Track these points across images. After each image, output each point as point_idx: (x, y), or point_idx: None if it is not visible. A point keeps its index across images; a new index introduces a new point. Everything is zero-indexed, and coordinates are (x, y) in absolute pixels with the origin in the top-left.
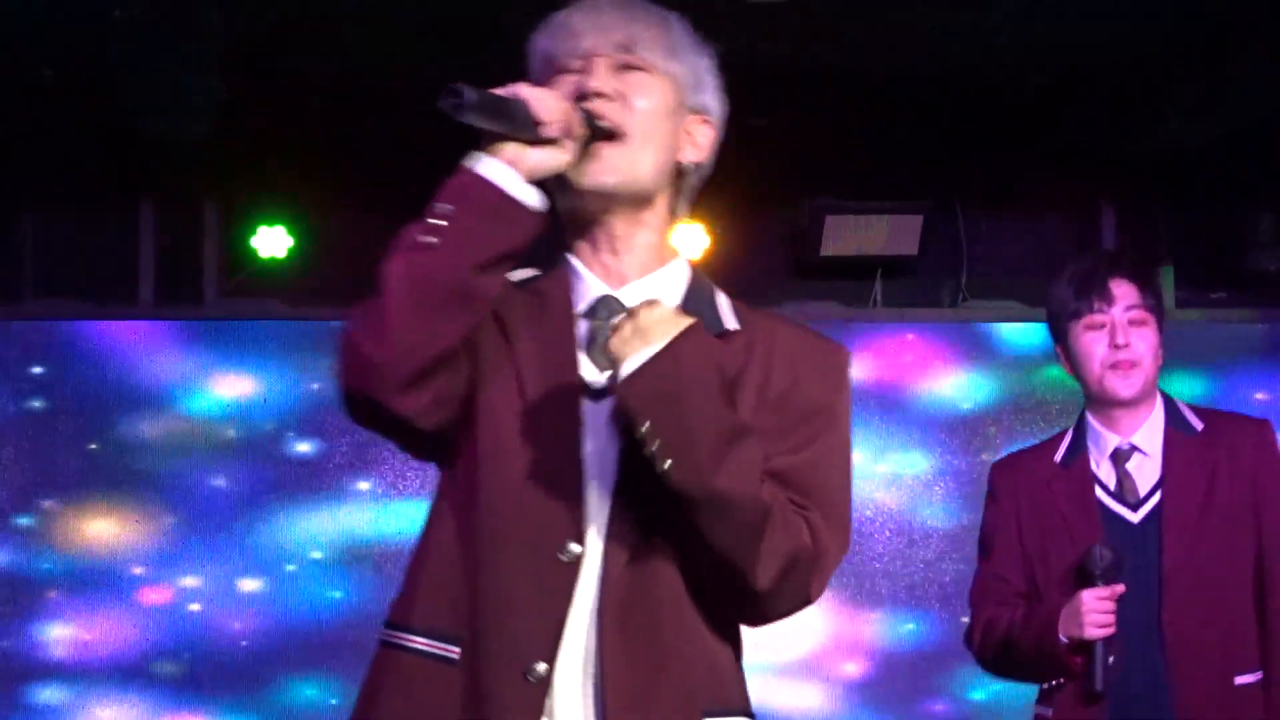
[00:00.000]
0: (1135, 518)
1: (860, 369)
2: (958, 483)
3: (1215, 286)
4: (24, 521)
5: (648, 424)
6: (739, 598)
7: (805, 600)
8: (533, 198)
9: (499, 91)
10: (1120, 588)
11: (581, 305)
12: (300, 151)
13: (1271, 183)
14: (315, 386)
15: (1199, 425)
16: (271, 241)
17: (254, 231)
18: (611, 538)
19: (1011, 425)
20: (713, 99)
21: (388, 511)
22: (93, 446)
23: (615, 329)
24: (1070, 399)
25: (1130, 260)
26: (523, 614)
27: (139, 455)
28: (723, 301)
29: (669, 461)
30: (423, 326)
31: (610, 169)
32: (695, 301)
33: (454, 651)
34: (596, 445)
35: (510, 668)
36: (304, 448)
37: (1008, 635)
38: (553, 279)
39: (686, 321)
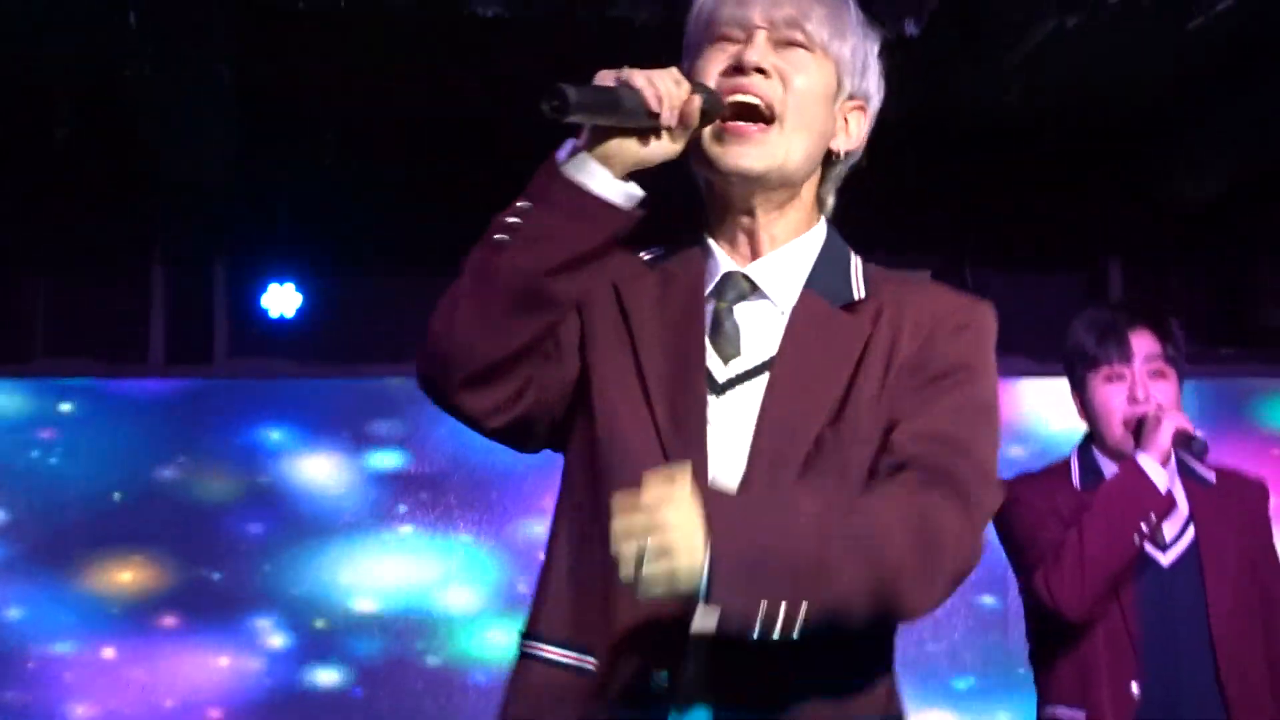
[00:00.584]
0: (1165, 560)
1: None
2: None
3: (1223, 342)
4: (38, 576)
5: (766, 618)
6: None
7: (969, 568)
8: (624, 196)
9: (607, 81)
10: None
11: (710, 285)
12: (310, 211)
13: (1277, 237)
14: (322, 443)
15: (1211, 477)
16: (281, 301)
17: (264, 291)
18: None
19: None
20: (874, 86)
21: (397, 566)
22: (110, 500)
23: (637, 566)
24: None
25: (1151, 311)
26: (650, 622)
27: (151, 510)
28: (855, 267)
29: (799, 625)
30: (487, 327)
31: (757, 152)
32: (825, 271)
33: (589, 662)
34: (721, 442)
35: (639, 677)
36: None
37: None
38: (686, 259)
39: (691, 511)
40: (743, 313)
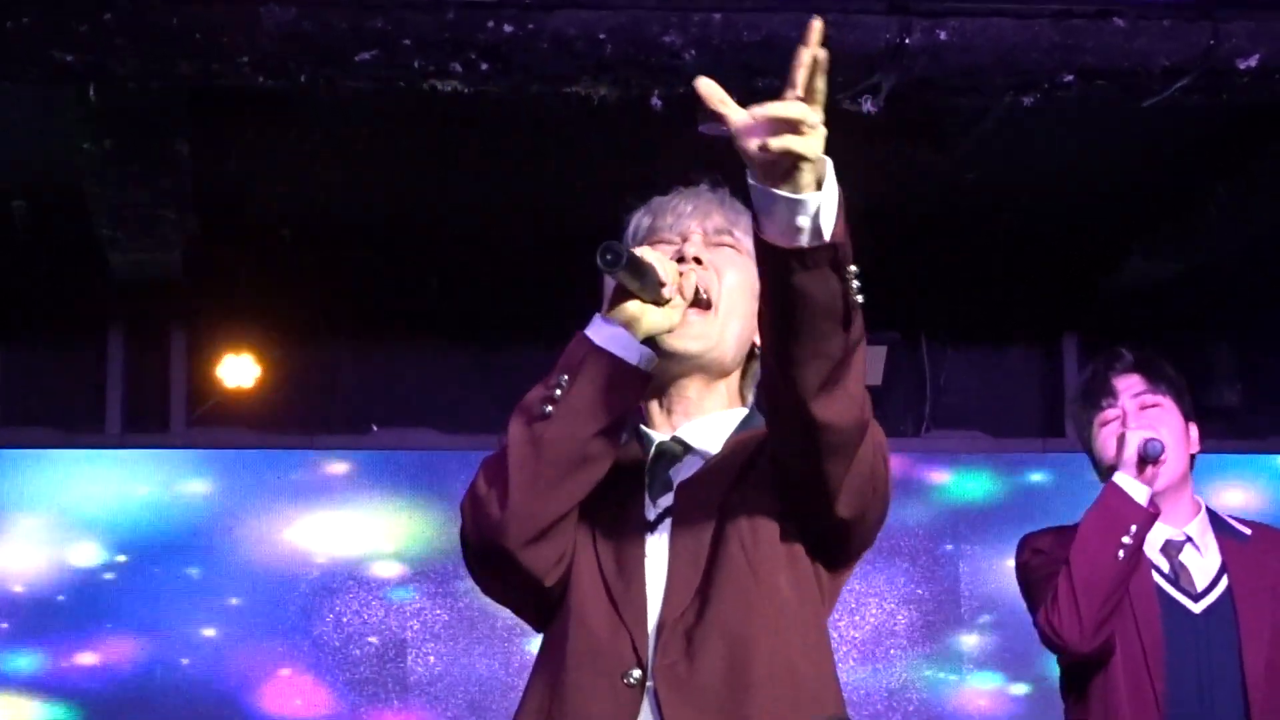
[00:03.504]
0: (1196, 609)
1: None
2: (920, 611)
3: None
4: None
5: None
6: (822, 524)
7: (883, 513)
8: (646, 358)
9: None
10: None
11: (648, 460)
12: (267, 282)
13: (1231, 318)
14: (280, 513)
15: (1248, 532)
16: (238, 371)
17: (220, 361)
18: (660, 661)
19: (973, 554)
20: None
21: (350, 646)
22: (62, 568)
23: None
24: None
25: (1134, 356)
26: None
27: (107, 581)
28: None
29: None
30: (544, 491)
31: (698, 335)
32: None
33: None
34: (657, 571)
35: None
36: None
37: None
38: (627, 446)
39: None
40: (677, 470)
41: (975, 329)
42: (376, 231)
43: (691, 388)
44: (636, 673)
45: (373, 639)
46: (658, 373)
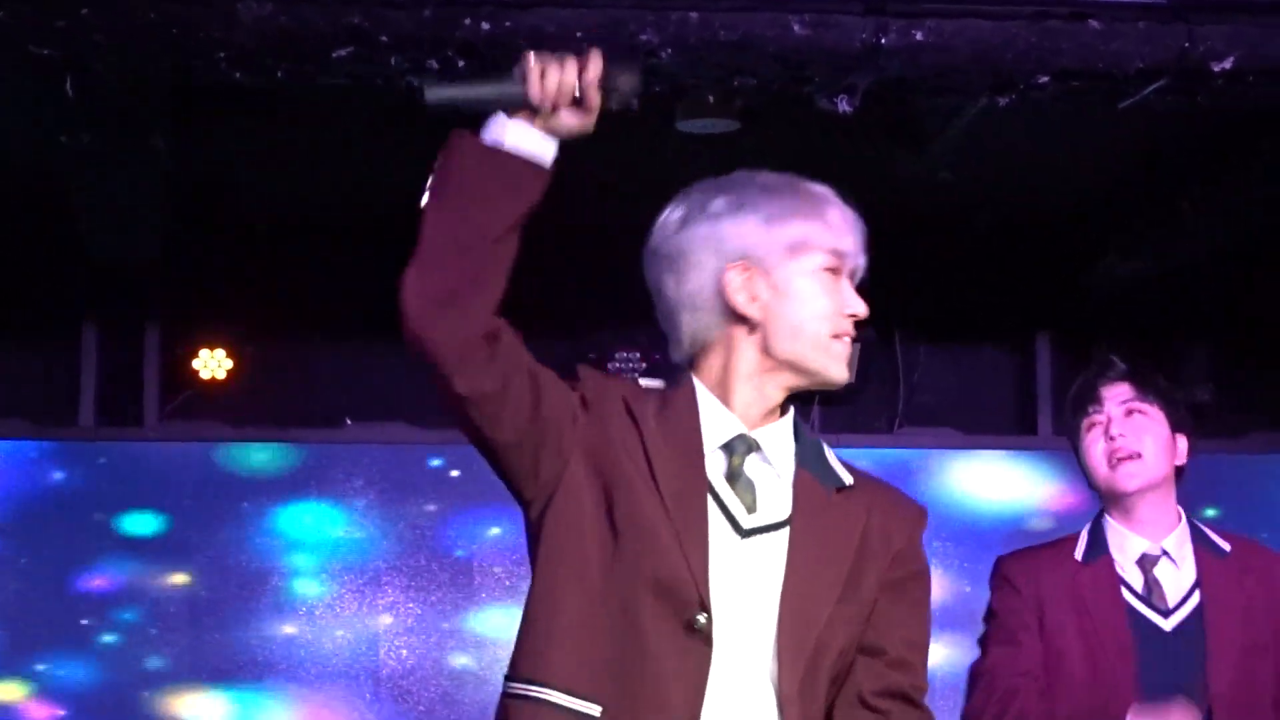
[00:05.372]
0: (1167, 625)
1: None
2: None
3: None
4: None
5: None
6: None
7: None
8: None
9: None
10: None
11: (716, 436)
12: (242, 276)
13: (1204, 317)
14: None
15: (1227, 547)
16: (212, 364)
17: (195, 354)
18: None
19: (945, 551)
20: None
21: (323, 639)
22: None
23: None
24: (1005, 529)
25: (1126, 365)
26: (666, 679)
27: (77, 576)
28: (829, 453)
29: None
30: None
31: (849, 362)
32: (806, 452)
33: (594, 709)
34: (749, 584)
35: None
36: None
37: None
38: (679, 392)
39: None
40: (751, 469)
41: (949, 327)
42: (352, 226)
43: (785, 392)
44: (703, 617)
45: (342, 632)
46: (772, 372)
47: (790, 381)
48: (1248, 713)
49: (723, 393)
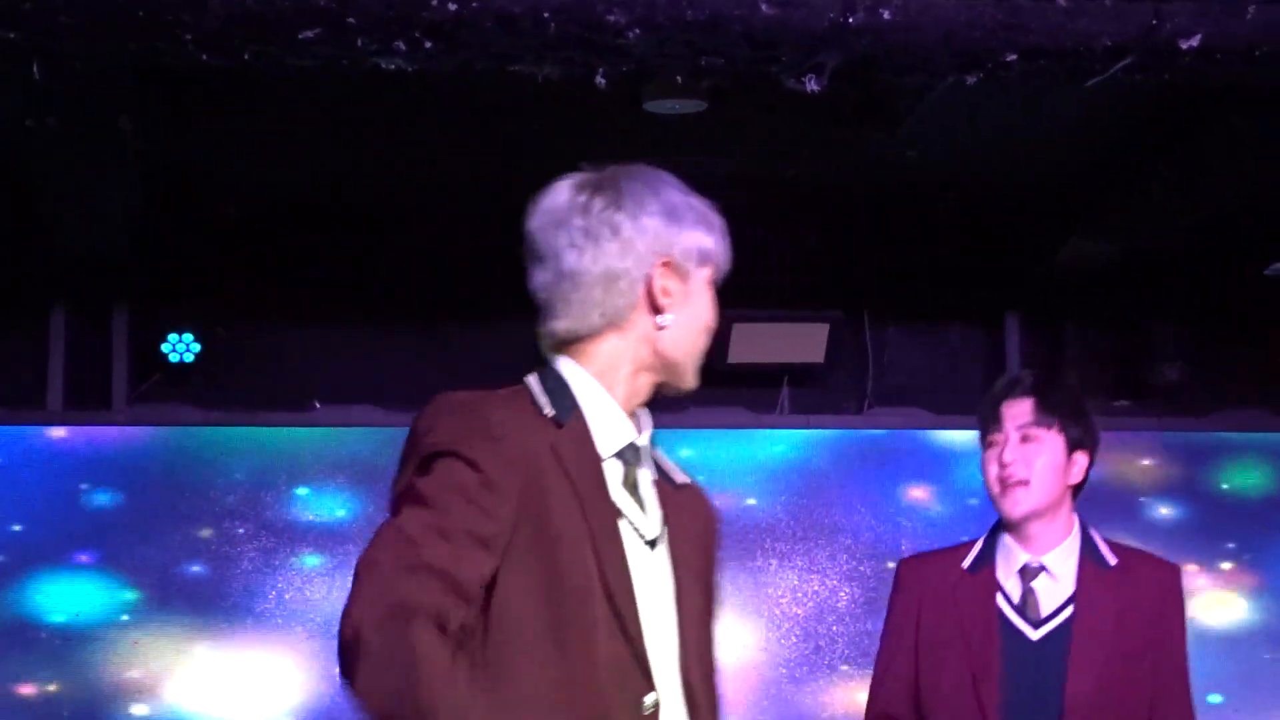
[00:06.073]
0: (1035, 635)
1: (769, 475)
2: (862, 588)
3: (1118, 395)
4: None
5: None
6: None
7: None
8: None
9: None
10: None
11: (611, 441)
12: (211, 259)
13: (1172, 297)
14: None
15: (1113, 560)
16: (181, 348)
17: (163, 338)
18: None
19: (915, 530)
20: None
21: (293, 622)
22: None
23: None
24: (974, 510)
25: (1034, 380)
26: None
27: (43, 558)
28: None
29: None
30: None
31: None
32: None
33: None
34: (650, 591)
35: None
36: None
37: None
38: (579, 441)
39: None
40: (641, 478)
41: (918, 307)
42: (321, 209)
43: (648, 395)
44: (652, 697)
45: (314, 617)
46: (652, 370)
47: (657, 381)
48: (1101, 716)
49: (608, 382)
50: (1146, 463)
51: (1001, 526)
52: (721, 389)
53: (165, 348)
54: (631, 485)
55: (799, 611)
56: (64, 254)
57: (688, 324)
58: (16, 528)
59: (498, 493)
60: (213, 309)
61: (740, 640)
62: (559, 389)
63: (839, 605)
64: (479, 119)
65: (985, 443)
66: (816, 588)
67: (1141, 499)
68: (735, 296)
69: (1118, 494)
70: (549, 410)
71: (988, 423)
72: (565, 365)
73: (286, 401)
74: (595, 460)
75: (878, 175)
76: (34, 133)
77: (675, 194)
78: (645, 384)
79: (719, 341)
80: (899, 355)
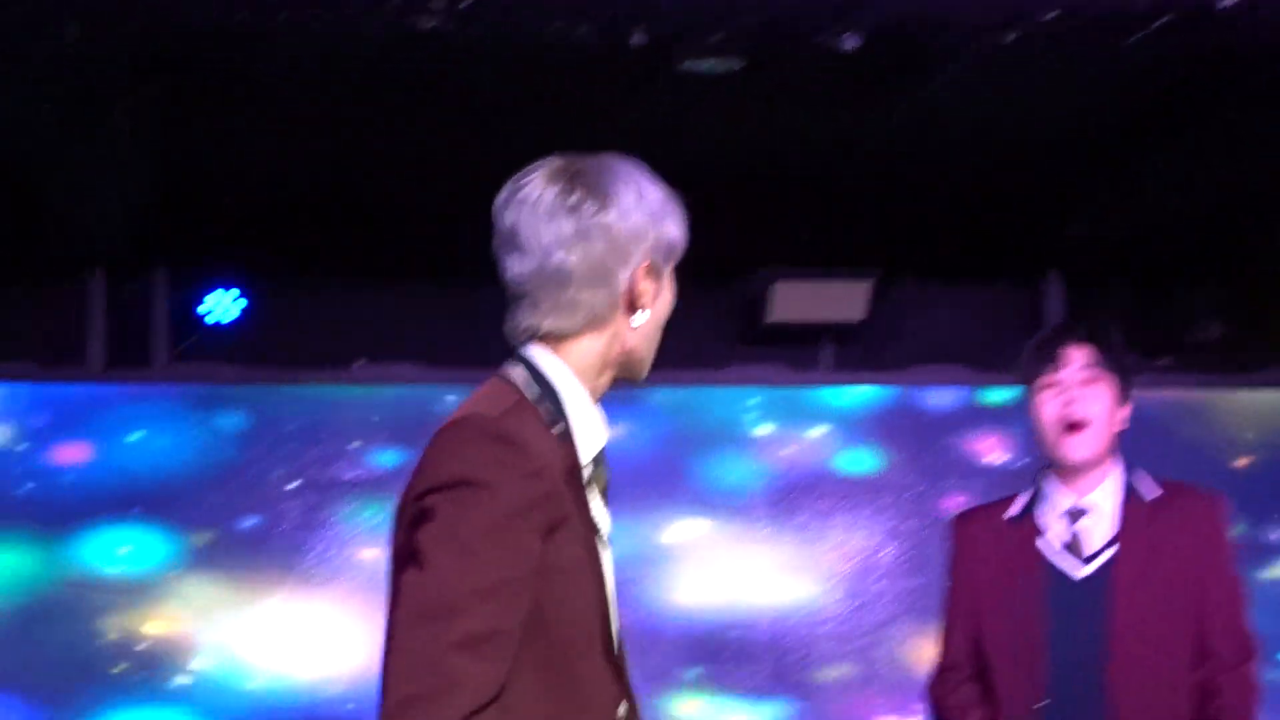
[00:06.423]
0: (1079, 575)
1: (810, 433)
2: (906, 544)
3: (1160, 354)
4: None
5: None
6: None
7: None
8: None
9: None
10: None
11: (590, 445)
12: (251, 219)
13: (1213, 257)
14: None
15: (1155, 493)
16: (222, 305)
17: (205, 296)
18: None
19: (951, 489)
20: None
21: (339, 578)
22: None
23: None
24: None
25: (1087, 326)
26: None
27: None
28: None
29: None
30: None
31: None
32: None
33: None
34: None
35: None
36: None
37: None
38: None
39: None
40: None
41: (959, 265)
42: (364, 167)
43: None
44: (624, 706)
45: (358, 573)
46: (624, 365)
47: (617, 376)
48: (1152, 653)
49: (588, 380)
50: (1189, 420)
51: (1049, 472)
52: (762, 347)
53: (207, 305)
54: (594, 483)
55: (844, 569)
56: (104, 212)
57: (656, 320)
58: (69, 480)
59: (529, 523)
60: (254, 268)
61: (785, 597)
62: (548, 393)
63: (883, 562)
64: (518, 81)
65: (1040, 385)
66: (861, 544)
67: (1184, 457)
68: (776, 255)
69: (1161, 451)
70: (555, 427)
71: (1043, 365)
72: (548, 362)
73: (328, 360)
74: (580, 472)
75: (918, 133)
76: (62, 90)
77: (654, 190)
78: (608, 380)
79: (759, 299)
80: (940, 313)
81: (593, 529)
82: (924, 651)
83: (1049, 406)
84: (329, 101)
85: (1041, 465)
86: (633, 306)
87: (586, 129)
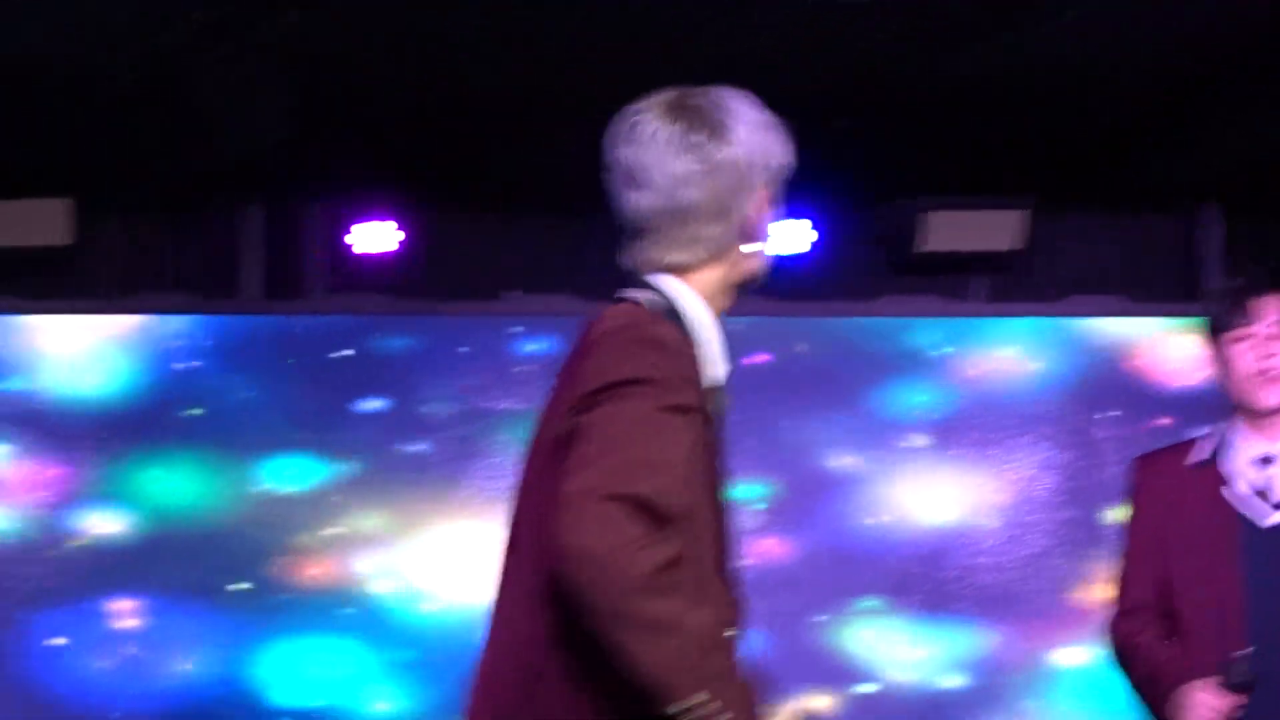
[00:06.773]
0: (1268, 522)
1: (964, 364)
2: (1062, 476)
3: None
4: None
5: None
6: None
7: None
8: None
9: None
10: (1241, 700)
11: (718, 369)
12: (403, 152)
13: None
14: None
15: None
16: (377, 237)
17: (358, 227)
18: None
19: (1114, 420)
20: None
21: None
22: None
23: None
24: (1164, 392)
25: (1274, 277)
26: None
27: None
28: None
29: None
30: None
31: None
32: None
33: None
34: None
35: None
36: (417, 447)
37: (1139, 679)
38: (681, 324)
39: None
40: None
41: (1115, 194)
42: (511, 102)
43: None
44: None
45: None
46: (724, 295)
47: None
48: None
49: (713, 305)
50: None
51: (1236, 419)
52: (914, 277)
53: (359, 237)
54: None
55: (999, 500)
56: (256, 145)
57: (765, 245)
58: (233, 406)
59: (689, 420)
60: (408, 200)
61: (937, 528)
62: (676, 320)
63: (1037, 494)
64: (665, 11)
65: (1232, 337)
66: (1015, 476)
67: None
68: (930, 184)
69: None
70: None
71: (1233, 317)
72: (676, 289)
73: (481, 291)
74: (708, 394)
75: (1070, 61)
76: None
77: (764, 119)
78: (730, 301)
79: (910, 229)
80: (1096, 242)
81: (715, 452)
82: (1081, 585)
83: (1244, 359)
84: (484, 30)
85: (1227, 416)
86: (749, 235)
87: (721, 61)
